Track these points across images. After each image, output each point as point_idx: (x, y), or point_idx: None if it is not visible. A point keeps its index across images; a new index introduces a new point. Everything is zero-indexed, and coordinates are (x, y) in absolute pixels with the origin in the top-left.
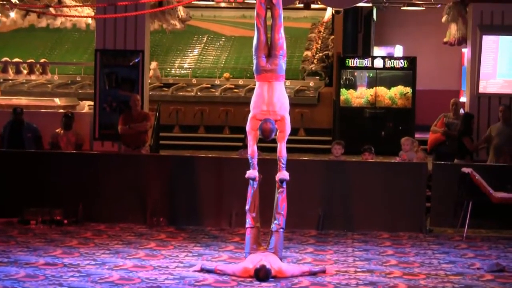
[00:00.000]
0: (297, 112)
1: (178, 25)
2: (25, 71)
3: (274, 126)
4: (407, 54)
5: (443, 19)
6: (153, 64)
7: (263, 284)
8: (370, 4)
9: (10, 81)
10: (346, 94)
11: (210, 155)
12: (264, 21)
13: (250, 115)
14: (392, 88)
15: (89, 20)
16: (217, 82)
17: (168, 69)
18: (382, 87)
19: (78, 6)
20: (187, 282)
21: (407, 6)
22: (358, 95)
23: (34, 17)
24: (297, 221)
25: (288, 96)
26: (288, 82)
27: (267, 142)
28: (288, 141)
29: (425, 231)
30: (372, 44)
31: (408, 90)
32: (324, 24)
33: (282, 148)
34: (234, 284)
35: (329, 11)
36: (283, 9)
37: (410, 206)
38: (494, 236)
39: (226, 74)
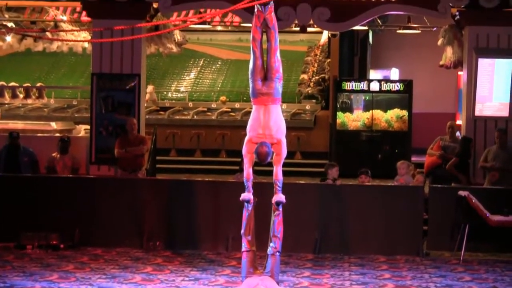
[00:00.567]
0: (294, 135)
1: (175, 49)
2: (21, 95)
3: (270, 150)
4: (403, 77)
5: (439, 42)
6: (150, 88)
7: None
8: (366, 28)
9: (6, 105)
10: (342, 117)
11: (206, 179)
12: (260, 44)
13: (246, 138)
14: (388, 111)
15: (86, 44)
16: (213, 105)
17: (165, 92)
18: (379, 110)
19: (74, 30)
20: None
21: (403, 29)
22: (355, 118)
23: (30, 41)
24: (294, 244)
25: (285, 119)
26: (284, 105)
27: (263, 165)
28: (285, 165)
29: (422, 255)
30: (368, 67)
31: (405, 113)
32: (321, 47)
33: (278, 171)
34: None
35: (325, 34)
36: (279, 32)
37: (407, 230)
38: (491, 260)
39: (223, 98)
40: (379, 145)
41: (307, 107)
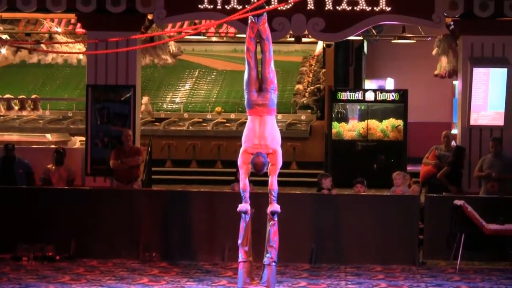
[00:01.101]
0: (289, 145)
1: (170, 60)
2: (16, 107)
3: (266, 160)
4: (398, 86)
5: (434, 52)
6: (145, 99)
7: None
8: (361, 38)
9: (1, 117)
10: (338, 127)
11: (202, 190)
12: (255, 55)
13: (241, 149)
14: (383, 120)
15: (81, 56)
16: (209, 116)
17: (160, 103)
18: (374, 120)
19: (69, 42)
20: None
21: (398, 39)
22: (350, 128)
23: (25, 53)
24: (290, 254)
25: (280, 129)
26: (279, 116)
27: (259, 176)
28: (280, 175)
29: (418, 264)
30: (363, 77)
31: (400, 122)
32: (315, 57)
33: (273, 181)
34: None
35: (320, 44)
36: (274, 42)
37: (402, 239)
38: (487, 268)
39: (218, 108)
40: (374, 155)
41: (303, 117)
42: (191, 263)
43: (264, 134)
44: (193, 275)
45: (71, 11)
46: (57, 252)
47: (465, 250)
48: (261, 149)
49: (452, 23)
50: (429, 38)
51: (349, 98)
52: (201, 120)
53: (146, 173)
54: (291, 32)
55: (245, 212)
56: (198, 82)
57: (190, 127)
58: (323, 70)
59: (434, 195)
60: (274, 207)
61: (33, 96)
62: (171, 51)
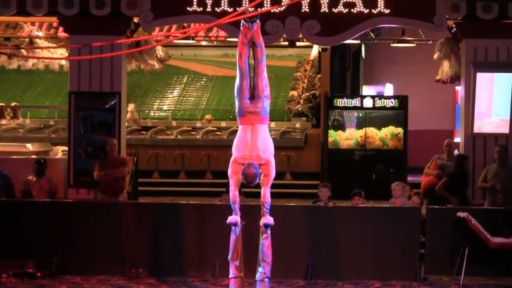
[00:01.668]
0: (283, 155)
1: (157, 65)
2: None
3: (258, 171)
4: (398, 93)
5: (435, 56)
6: (131, 107)
7: None
8: (358, 41)
9: None
10: (334, 136)
11: (191, 202)
12: (247, 61)
13: (231, 158)
14: (382, 128)
15: (63, 62)
16: (198, 124)
17: (147, 111)
18: (372, 128)
19: (51, 47)
20: None
21: (397, 42)
22: (347, 137)
23: (4, 59)
24: (284, 270)
25: (274, 138)
26: (273, 124)
27: (252, 187)
28: (274, 186)
29: (420, 279)
30: (361, 83)
31: (400, 130)
32: (310, 62)
33: (266, 193)
34: None
35: (316, 48)
36: (267, 47)
37: (403, 253)
38: (492, 284)
39: (208, 116)
40: (373, 165)
41: (297, 125)
42: (180, 280)
43: (256, 144)
44: None
45: (53, 14)
46: (38, 268)
47: (469, 265)
48: (252, 160)
49: (454, 25)
50: (430, 42)
51: (346, 105)
52: (190, 128)
53: (132, 185)
54: (284, 36)
55: (235, 224)
56: (187, 88)
57: (179, 136)
58: (319, 76)
59: (436, 206)
60: (267, 219)
61: (13, 104)
62: (159, 56)
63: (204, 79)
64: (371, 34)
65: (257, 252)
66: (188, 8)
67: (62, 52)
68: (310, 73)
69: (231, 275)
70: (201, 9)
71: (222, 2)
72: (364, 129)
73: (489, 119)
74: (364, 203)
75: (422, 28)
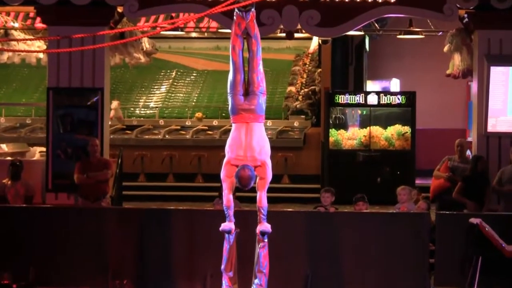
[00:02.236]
0: (280, 156)
1: (143, 59)
2: None
3: (253, 173)
4: (405, 88)
5: (445, 49)
6: (114, 104)
7: None
8: (362, 33)
9: None
10: (336, 135)
11: (181, 207)
12: (241, 54)
13: (224, 160)
14: (388, 127)
15: (40, 55)
16: (188, 123)
17: (132, 109)
18: (377, 127)
19: (27, 39)
20: None
21: (404, 34)
22: (350, 136)
23: None
24: (282, 281)
25: (270, 138)
26: (269, 122)
27: (247, 191)
28: (271, 190)
29: None
30: (365, 78)
31: (407, 129)
32: (310, 55)
33: (262, 197)
34: None
35: (315, 40)
36: (263, 39)
37: (411, 263)
38: None
39: (199, 114)
40: (378, 167)
41: (296, 124)
42: None
43: (251, 144)
44: None
45: (30, 4)
46: (14, 280)
47: (483, 275)
48: (247, 162)
49: (466, 15)
50: (440, 33)
51: (348, 101)
52: (179, 127)
53: (116, 189)
54: (282, 27)
55: (229, 232)
56: (175, 84)
57: (167, 136)
58: (319, 70)
59: (446, 212)
60: (264, 226)
61: None
62: (145, 49)
63: (194, 74)
64: (376, 25)
65: (252, 262)
66: None
67: (40, 44)
68: (309, 67)
69: (224, 287)
70: None
71: None
72: (368, 128)
73: (504, 117)
74: (368, 209)
75: (431, 18)
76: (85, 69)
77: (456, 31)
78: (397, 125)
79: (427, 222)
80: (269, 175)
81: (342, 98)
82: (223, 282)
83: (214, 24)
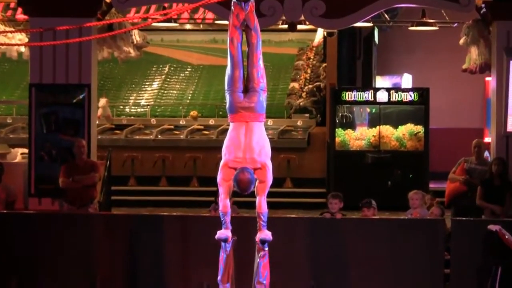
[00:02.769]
0: (282, 158)
1: (133, 53)
2: None
3: (253, 177)
4: (417, 85)
5: (461, 42)
6: (102, 101)
7: None
8: (370, 24)
9: None
10: (342, 135)
11: (174, 213)
12: (240, 47)
13: (221, 163)
14: (399, 127)
15: (22, 49)
16: (182, 122)
17: (121, 107)
18: (387, 126)
19: (7, 31)
20: None
21: (416, 25)
22: (358, 136)
23: None
24: None
25: (271, 138)
26: (270, 122)
27: (245, 196)
28: (271, 195)
29: None
30: (374, 73)
31: (420, 129)
32: (314, 49)
33: (262, 203)
34: None
35: (320, 33)
36: (263, 31)
37: (424, 274)
38: None
39: (194, 112)
40: (388, 169)
41: (299, 123)
42: None
43: (250, 145)
44: None
45: None
46: None
47: (503, 286)
48: (246, 164)
49: (483, 5)
50: (455, 25)
51: (356, 99)
52: (172, 127)
53: (104, 194)
54: (284, 18)
55: (225, 241)
56: (168, 80)
57: (159, 136)
58: (324, 65)
59: (463, 218)
60: (264, 234)
61: None
62: (135, 42)
63: (189, 69)
64: (386, 16)
65: (251, 273)
66: None
67: (21, 37)
68: (313, 62)
69: None
70: None
71: None
72: (377, 127)
73: None
74: (376, 215)
75: (446, 8)
76: (70, 64)
77: (472, 23)
78: (409, 124)
79: (442, 229)
80: (270, 179)
81: (350, 95)
82: None
83: (210, 15)
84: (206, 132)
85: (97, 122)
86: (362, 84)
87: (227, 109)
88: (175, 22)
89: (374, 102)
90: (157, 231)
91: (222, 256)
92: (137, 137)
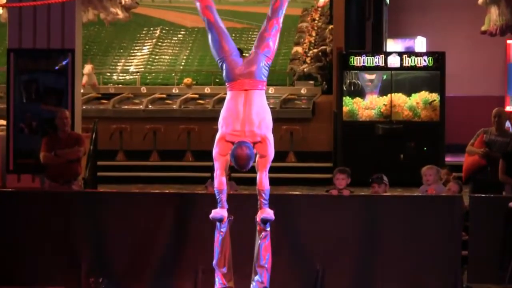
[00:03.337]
0: (285, 130)
1: (121, 14)
2: None
3: (252, 151)
4: (432, 48)
5: (480, 1)
6: (88, 68)
7: None
8: None
9: None
10: (351, 104)
11: (166, 191)
12: (215, 10)
13: (217, 135)
14: (413, 94)
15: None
16: (175, 91)
17: (108, 74)
18: (400, 94)
19: None
20: None
21: None
22: (367, 105)
23: None
24: (287, 278)
25: (273, 108)
26: (271, 90)
27: (244, 171)
28: (273, 170)
29: None
30: (385, 36)
31: (435, 97)
32: (320, 9)
33: (263, 179)
34: None
35: None
36: None
37: (439, 256)
38: None
39: (187, 80)
40: (401, 141)
41: (303, 91)
42: None
43: (249, 116)
44: None
45: None
46: None
47: None
48: (245, 138)
49: None
50: None
51: (365, 64)
52: (164, 96)
53: (90, 169)
54: None
55: (220, 221)
56: (160, 44)
57: (150, 106)
58: (330, 27)
59: (482, 195)
60: (266, 213)
61: None
62: (123, 3)
63: (182, 32)
64: None
65: (251, 256)
66: None
67: None
68: (319, 24)
69: (217, 286)
70: None
71: None
72: (389, 95)
73: None
74: (387, 191)
75: None
76: (52, 27)
77: None
78: (423, 92)
79: (459, 207)
80: (271, 153)
81: (358, 60)
82: (216, 279)
83: None
84: (201, 102)
85: (81, 91)
86: (372, 48)
87: (224, 76)
88: None
89: (385, 68)
90: (148, 211)
91: (218, 237)
92: (126, 107)
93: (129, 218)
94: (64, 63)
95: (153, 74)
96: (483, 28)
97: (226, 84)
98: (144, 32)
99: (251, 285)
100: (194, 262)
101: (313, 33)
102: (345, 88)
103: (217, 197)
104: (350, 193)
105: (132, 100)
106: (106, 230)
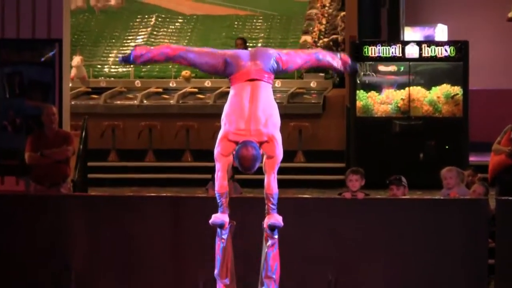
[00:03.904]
0: (293, 127)
1: (113, 1)
2: None
3: (259, 152)
4: (454, 37)
5: None
6: (76, 60)
7: None
8: None
9: None
10: (365, 99)
11: (163, 194)
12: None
13: (220, 134)
14: (433, 88)
15: None
16: (172, 84)
17: (99, 66)
18: (419, 87)
19: None
20: None
21: None
22: (383, 100)
23: None
24: None
25: (280, 103)
26: (278, 83)
27: (249, 174)
28: (281, 171)
29: None
30: (402, 24)
31: (458, 90)
32: None
33: (271, 182)
34: None
35: None
36: None
37: (463, 264)
38: None
39: (186, 73)
40: (420, 139)
41: (313, 84)
42: None
43: (255, 113)
44: None
45: None
46: None
47: None
48: (250, 137)
49: None
50: None
51: (381, 55)
52: (160, 90)
53: (80, 171)
54: None
55: (221, 226)
56: (155, 33)
57: (145, 101)
58: (342, 14)
59: (510, 198)
60: (274, 219)
61: None
62: None
63: (180, 20)
64: None
65: (258, 266)
66: None
67: None
68: (330, 11)
69: None
70: None
71: None
72: (407, 89)
73: None
74: (406, 194)
75: None
76: (38, 15)
77: None
78: (444, 85)
79: (485, 211)
80: (280, 153)
81: (373, 50)
82: None
83: None
84: (201, 96)
85: (70, 85)
86: (388, 37)
87: (228, 73)
88: None
89: (402, 59)
90: (143, 216)
91: (218, 245)
92: (118, 102)
93: (123, 224)
94: (50, 54)
95: (148, 67)
96: (510, 15)
97: (229, 79)
98: (138, 20)
99: None
100: (194, 272)
101: (323, 21)
102: (358, 81)
103: (218, 201)
104: (364, 196)
105: (125, 95)
106: (98, 237)
